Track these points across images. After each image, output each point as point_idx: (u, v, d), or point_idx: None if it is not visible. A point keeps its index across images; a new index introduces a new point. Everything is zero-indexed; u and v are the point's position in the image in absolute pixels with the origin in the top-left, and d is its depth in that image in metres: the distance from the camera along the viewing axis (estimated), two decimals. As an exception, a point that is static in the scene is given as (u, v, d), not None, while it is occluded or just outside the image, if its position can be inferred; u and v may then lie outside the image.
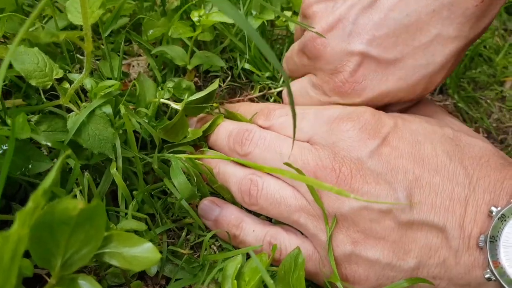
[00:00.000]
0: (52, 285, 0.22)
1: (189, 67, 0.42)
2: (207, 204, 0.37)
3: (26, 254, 0.21)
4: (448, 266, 0.30)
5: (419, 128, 0.34)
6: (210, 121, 0.39)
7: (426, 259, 0.31)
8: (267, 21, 0.46)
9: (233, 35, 0.45)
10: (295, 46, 0.41)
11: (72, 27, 0.38)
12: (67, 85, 0.31)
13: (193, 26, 0.41)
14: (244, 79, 0.47)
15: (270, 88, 0.46)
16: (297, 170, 0.31)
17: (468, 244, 0.30)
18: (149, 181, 0.38)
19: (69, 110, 0.32)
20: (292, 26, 0.44)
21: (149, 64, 0.44)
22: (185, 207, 0.35)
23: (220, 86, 0.46)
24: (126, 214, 0.33)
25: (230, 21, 0.40)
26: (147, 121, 0.36)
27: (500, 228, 0.29)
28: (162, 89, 0.40)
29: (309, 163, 0.34)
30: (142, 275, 0.34)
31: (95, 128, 0.30)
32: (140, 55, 0.47)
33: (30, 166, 0.29)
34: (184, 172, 0.35)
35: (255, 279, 0.31)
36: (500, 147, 0.51)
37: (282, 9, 0.47)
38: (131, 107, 0.38)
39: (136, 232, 0.31)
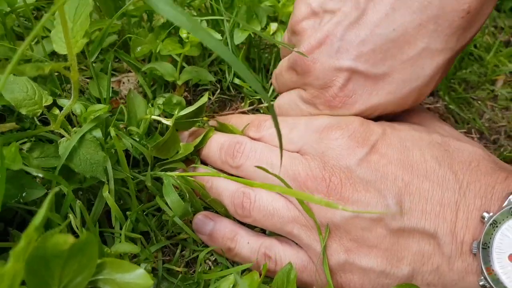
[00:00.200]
0: (49, 314, 0.23)
1: (179, 83, 0.42)
2: (201, 218, 0.37)
3: (23, 282, 0.22)
4: (442, 272, 0.31)
5: (407, 136, 0.35)
6: (202, 135, 0.40)
7: (420, 266, 0.31)
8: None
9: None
10: (284, 63, 0.41)
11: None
12: (57, 111, 0.32)
13: (181, 42, 0.42)
14: (233, 91, 0.48)
15: (260, 102, 0.47)
16: (285, 183, 0.32)
17: (460, 250, 0.30)
18: (143, 198, 0.38)
19: (61, 135, 0.33)
20: (279, 38, 0.44)
21: (139, 81, 0.44)
22: (179, 224, 0.35)
23: (209, 99, 0.46)
24: (120, 234, 0.33)
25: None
26: (138, 139, 0.37)
27: (492, 234, 0.29)
28: (152, 105, 0.40)
29: (300, 174, 0.34)
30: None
31: (86, 153, 0.31)
32: (130, 71, 0.47)
33: (24, 194, 0.29)
34: (176, 188, 0.35)
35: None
36: (493, 147, 0.50)
37: (269, 19, 0.47)
38: (122, 125, 0.38)
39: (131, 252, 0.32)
